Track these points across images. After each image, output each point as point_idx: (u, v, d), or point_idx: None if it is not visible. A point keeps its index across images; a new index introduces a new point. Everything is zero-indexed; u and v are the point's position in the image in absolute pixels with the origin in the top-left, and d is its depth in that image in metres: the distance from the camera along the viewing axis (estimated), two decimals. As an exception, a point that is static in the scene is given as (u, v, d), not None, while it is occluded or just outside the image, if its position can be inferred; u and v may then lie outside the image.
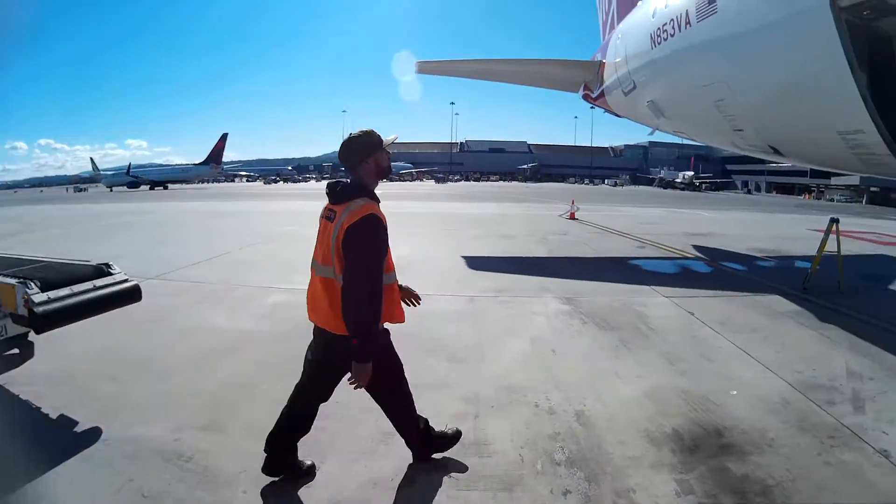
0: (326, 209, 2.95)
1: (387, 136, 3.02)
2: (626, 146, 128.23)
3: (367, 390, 3.00)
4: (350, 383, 2.82)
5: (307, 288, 3.07)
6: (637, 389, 4.73)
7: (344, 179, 2.99)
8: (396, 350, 3.21)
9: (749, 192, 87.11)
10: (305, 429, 3.25)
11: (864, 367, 5.38)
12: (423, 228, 17.10)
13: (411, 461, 3.41)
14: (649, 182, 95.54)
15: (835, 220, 9.04)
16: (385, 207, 2.98)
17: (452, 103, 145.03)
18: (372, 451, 3.55)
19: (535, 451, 3.59)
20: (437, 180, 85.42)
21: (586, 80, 15.00)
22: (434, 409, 3.83)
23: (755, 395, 4.64)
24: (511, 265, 10.57)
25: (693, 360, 5.48)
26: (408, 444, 3.40)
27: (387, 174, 3.07)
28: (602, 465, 3.43)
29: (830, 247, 9.03)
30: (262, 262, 10.43)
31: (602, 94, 14.22)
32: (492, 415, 4.14)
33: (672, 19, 9.92)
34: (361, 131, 2.95)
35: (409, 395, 3.30)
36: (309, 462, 3.32)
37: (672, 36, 9.97)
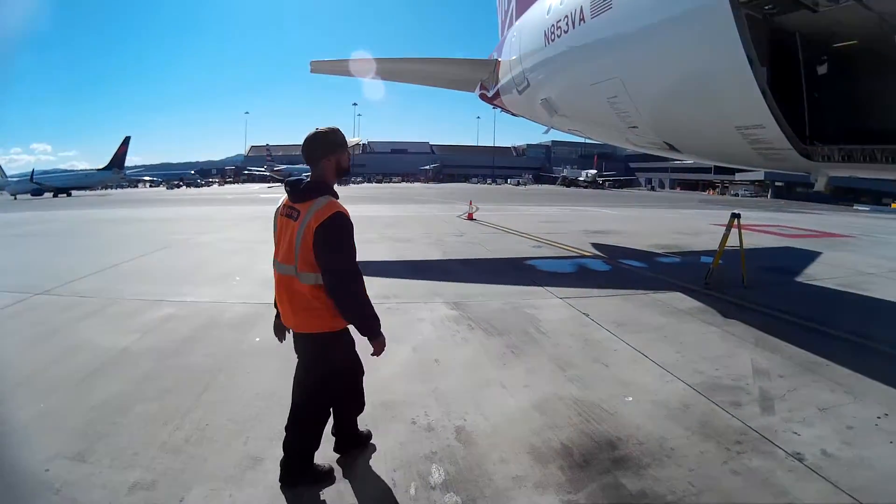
0: (287, 207, 2.97)
1: (350, 138, 3.10)
2: (529, 146, 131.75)
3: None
4: (372, 356, 2.98)
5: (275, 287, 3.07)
6: (524, 400, 4.22)
7: (298, 177, 3.04)
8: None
9: (653, 189, 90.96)
10: (358, 407, 3.48)
11: (773, 363, 5.11)
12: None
13: (279, 489, 3.07)
14: (553, 181, 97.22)
15: (736, 215, 9.06)
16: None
17: (355, 104, 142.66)
18: (239, 479, 3.17)
19: (408, 474, 3.23)
20: (339, 182, 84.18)
21: (483, 79, 14.65)
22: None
23: (653, 400, 4.23)
24: (403, 269, 9.95)
25: (586, 366, 5.02)
26: (337, 430, 3.40)
27: (345, 174, 3.12)
28: (481, 488, 3.08)
29: (735, 241, 9.00)
30: (154, 272, 9.56)
31: (498, 94, 13.90)
32: (366, 435, 3.75)
33: (567, 16, 9.65)
34: (328, 128, 2.99)
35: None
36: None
37: (566, 32, 9.69)
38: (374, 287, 8.14)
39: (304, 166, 3.11)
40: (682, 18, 6.94)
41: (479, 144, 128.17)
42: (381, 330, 2.95)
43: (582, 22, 9.10)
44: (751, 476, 3.15)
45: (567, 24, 9.62)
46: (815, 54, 7.54)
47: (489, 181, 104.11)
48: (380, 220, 20.07)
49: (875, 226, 22.82)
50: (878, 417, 3.94)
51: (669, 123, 8.66)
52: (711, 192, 78.11)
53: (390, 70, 15.45)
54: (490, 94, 14.38)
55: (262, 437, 3.56)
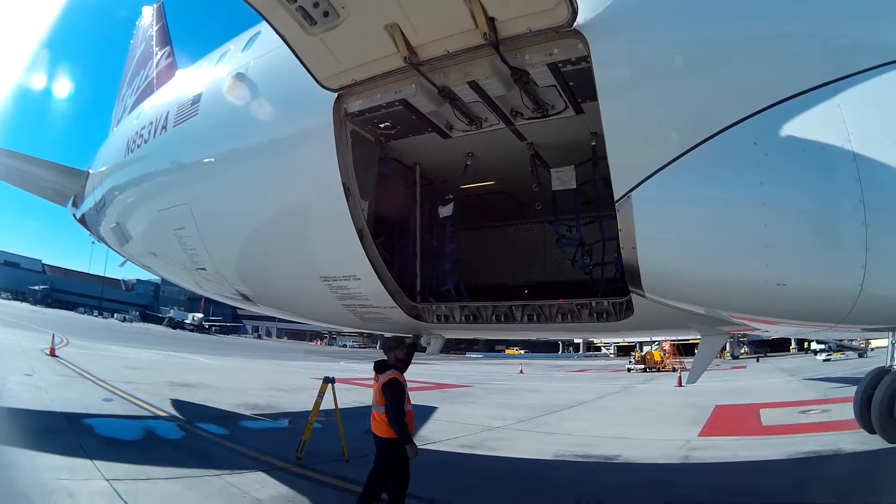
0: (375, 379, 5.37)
1: None
2: (139, 281, 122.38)
3: None
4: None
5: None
6: None
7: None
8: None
9: (259, 337, 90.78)
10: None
11: None
12: None
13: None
14: (159, 321, 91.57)
15: (329, 381, 7.93)
16: None
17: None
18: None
19: None
20: None
21: (76, 194, 11.36)
22: None
23: None
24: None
25: None
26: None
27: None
28: None
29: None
30: None
31: (84, 214, 10.90)
32: None
33: (152, 122, 7.91)
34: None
35: None
36: None
37: (146, 142, 7.88)
38: None
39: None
40: (267, 128, 5.63)
41: (92, 272, 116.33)
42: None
43: (164, 130, 7.42)
44: None
45: (150, 131, 7.85)
46: (440, 192, 6.63)
47: (95, 313, 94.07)
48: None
49: (491, 372, 24.71)
50: None
51: (242, 267, 7.09)
52: (319, 342, 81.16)
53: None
54: (78, 215, 11.31)
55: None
